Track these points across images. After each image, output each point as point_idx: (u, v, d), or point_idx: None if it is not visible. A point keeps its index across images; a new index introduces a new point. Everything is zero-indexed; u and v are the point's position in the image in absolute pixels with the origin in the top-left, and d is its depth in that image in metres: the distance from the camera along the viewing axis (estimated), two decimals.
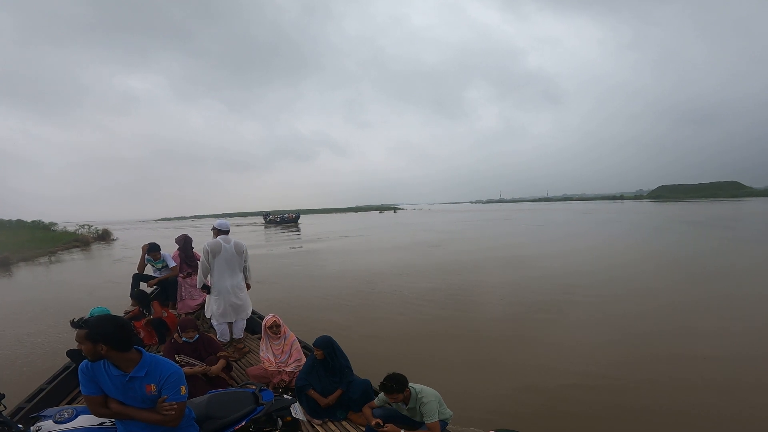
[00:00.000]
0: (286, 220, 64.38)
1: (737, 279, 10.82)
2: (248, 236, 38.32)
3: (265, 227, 57.25)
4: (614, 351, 6.19)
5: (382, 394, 3.30)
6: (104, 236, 41.60)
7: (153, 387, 2.25)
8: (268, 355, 4.40)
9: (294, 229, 49.02)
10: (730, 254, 14.96)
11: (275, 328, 4.44)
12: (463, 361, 6.08)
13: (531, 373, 5.53)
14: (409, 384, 3.23)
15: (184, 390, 2.32)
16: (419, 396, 3.20)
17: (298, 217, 65.30)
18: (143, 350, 2.31)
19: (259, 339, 4.93)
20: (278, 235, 39.53)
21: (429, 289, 10.69)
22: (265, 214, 73.95)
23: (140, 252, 6.42)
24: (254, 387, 3.18)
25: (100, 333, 2.12)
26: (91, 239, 38.50)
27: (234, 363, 4.87)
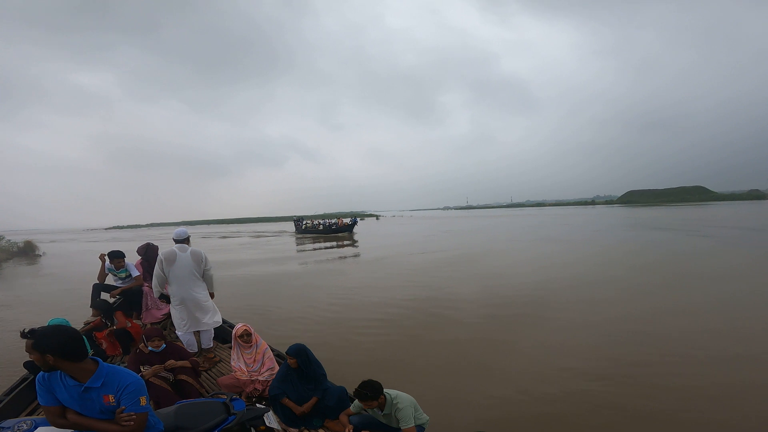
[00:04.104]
0: (333, 229, 45.80)
1: (721, 282, 11.02)
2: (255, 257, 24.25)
3: (297, 239, 41.96)
4: (599, 354, 6.24)
5: (357, 401, 3.31)
6: (26, 250, 33.20)
7: (111, 397, 2.23)
8: (239, 364, 4.33)
9: (346, 241, 34.44)
10: (717, 259, 15.07)
11: (246, 336, 4.38)
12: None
13: (514, 378, 5.54)
14: (384, 390, 3.25)
15: (144, 401, 2.30)
16: (394, 402, 3.22)
17: (353, 224, 46.01)
18: (100, 360, 2.30)
19: (230, 348, 4.82)
20: (323, 256, 24.10)
21: None
22: (297, 220, 55.57)
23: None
24: (225, 396, 3.12)
25: (47, 343, 2.12)
26: (1, 257, 30.04)
27: (204, 373, 4.75)
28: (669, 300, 9.26)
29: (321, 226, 47.82)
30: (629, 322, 7.72)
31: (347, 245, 30.39)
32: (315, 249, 28.72)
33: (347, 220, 47.36)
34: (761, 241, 20.50)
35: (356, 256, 23.28)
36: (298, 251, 28.30)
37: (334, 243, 32.89)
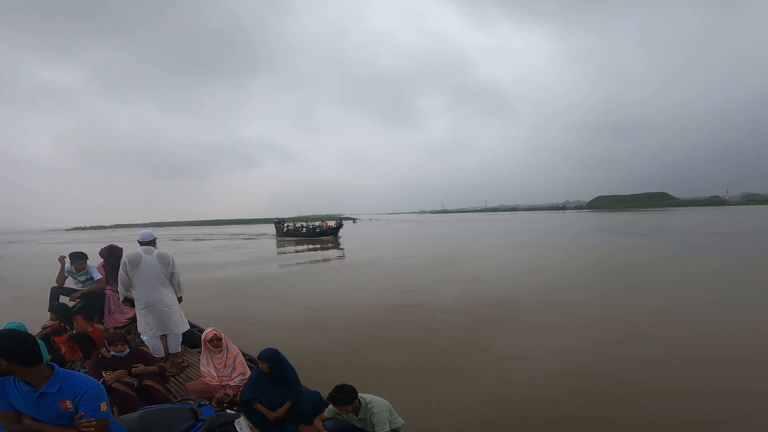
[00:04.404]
0: (317, 232, 43.21)
1: (699, 286, 11.33)
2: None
3: (278, 242, 40.01)
4: (582, 357, 6.24)
5: (331, 406, 3.27)
6: None
7: (68, 403, 2.20)
8: (209, 369, 4.21)
9: (331, 244, 32.77)
10: (685, 264, 15.31)
11: (216, 341, 4.26)
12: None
13: (491, 381, 5.51)
14: (359, 394, 3.23)
15: (104, 406, 2.26)
16: (369, 406, 3.21)
17: (339, 227, 43.40)
18: (55, 366, 2.25)
19: (200, 353, 4.65)
20: (305, 259, 23.29)
21: None
22: (278, 222, 51.19)
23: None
24: (193, 402, 3.01)
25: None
26: None
27: (172, 378, 4.58)
28: (650, 303, 9.40)
29: (304, 228, 45.79)
30: (611, 324, 7.85)
31: (332, 249, 29.49)
32: (297, 252, 28.24)
33: (332, 223, 44.94)
34: (729, 246, 21.34)
35: (341, 258, 23.09)
36: (279, 254, 27.75)
37: (319, 246, 31.69)
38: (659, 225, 41.86)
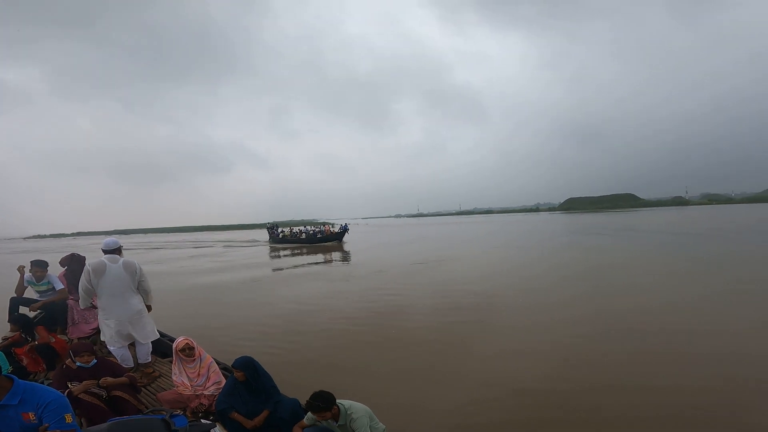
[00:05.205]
0: (318, 237, 39.85)
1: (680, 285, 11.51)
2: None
3: (271, 248, 37.57)
4: (558, 358, 6.27)
5: (310, 413, 3.21)
6: None
7: (31, 415, 2.20)
8: (182, 379, 4.08)
9: (337, 252, 29.17)
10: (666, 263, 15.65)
11: (188, 350, 4.13)
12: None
13: (473, 382, 5.51)
14: (338, 401, 3.19)
15: (69, 418, 2.26)
16: (349, 412, 3.17)
17: (344, 232, 39.57)
18: (14, 378, 2.24)
19: (171, 363, 4.51)
20: (301, 261, 23.18)
21: None
22: (271, 227, 47.07)
23: None
24: (164, 413, 2.90)
25: None
26: None
27: (143, 388, 4.41)
28: (630, 301, 9.54)
29: (303, 234, 42.30)
30: (594, 323, 7.96)
31: (337, 254, 27.15)
32: (293, 255, 27.56)
33: (336, 228, 41.54)
34: (697, 245, 22.04)
35: (345, 261, 22.72)
36: (273, 258, 27.15)
37: (321, 254, 28.05)
38: (630, 225, 43.15)
